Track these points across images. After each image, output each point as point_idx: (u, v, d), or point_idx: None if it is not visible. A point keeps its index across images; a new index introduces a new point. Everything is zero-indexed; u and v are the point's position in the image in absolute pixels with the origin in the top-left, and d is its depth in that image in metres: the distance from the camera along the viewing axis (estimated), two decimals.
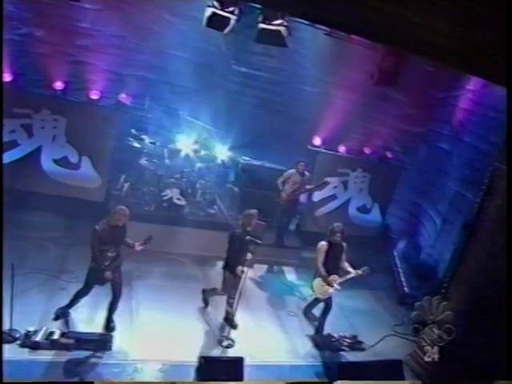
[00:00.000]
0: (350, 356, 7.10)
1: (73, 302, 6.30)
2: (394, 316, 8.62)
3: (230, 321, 6.88)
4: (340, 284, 7.12)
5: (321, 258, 7.14)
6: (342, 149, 10.43)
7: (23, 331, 5.63)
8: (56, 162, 8.49)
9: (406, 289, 9.39)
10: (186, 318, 7.00)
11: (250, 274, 8.85)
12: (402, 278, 9.72)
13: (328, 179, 9.81)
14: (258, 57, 10.44)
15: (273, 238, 9.55)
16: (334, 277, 7.08)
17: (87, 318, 6.38)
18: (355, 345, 7.30)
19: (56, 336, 5.78)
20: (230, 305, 6.88)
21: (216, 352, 6.40)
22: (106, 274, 5.94)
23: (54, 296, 6.71)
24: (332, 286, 7.06)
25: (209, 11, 6.33)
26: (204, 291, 7.36)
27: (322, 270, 7.08)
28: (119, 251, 6.10)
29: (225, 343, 6.53)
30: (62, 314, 6.26)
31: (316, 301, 7.58)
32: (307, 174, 9.30)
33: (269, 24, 6.53)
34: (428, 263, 9.87)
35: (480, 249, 6.51)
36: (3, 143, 7.69)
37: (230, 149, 10.05)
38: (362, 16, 5.20)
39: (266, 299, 8.25)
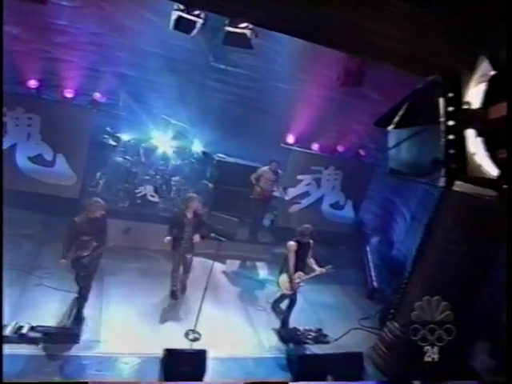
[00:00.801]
0: (314, 349, 7.34)
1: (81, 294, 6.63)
2: (361, 310, 8.88)
3: (172, 294, 7.56)
4: (304, 281, 7.36)
5: (292, 258, 7.28)
6: (315, 146, 10.63)
7: None
8: (31, 159, 8.63)
9: (375, 283, 9.65)
10: (155, 312, 7.21)
11: (223, 268, 9.22)
12: (373, 273, 9.98)
13: (301, 177, 10.02)
14: (236, 54, 10.56)
15: (246, 234, 9.76)
16: (299, 274, 7.31)
17: (57, 313, 6.58)
18: (320, 338, 7.55)
19: (25, 330, 5.96)
20: (173, 278, 7.57)
21: (183, 345, 6.61)
22: (83, 261, 6.31)
23: (25, 291, 6.91)
24: (297, 283, 7.28)
25: (175, 15, 6.47)
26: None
27: (292, 269, 7.27)
28: (100, 242, 6.40)
29: (191, 336, 6.75)
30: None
31: (284, 296, 7.82)
32: (280, 172, 9.51)
33: (235, 27, 6.68)
34: (398, 258, 10.14)
35: (436, 246, 6.77)
36: None
37: (205, 146, 10.23)
38: (314, 22, 5.38)
39: (236, 294, 8.48)
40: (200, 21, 6.45)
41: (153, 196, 8.99)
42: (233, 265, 9.42)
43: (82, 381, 5.53)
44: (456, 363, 6.80)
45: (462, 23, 5.50)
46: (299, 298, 8.18)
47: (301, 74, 10.59)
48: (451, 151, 1.47)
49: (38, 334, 5.98)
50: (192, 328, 6.81)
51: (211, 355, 6.19)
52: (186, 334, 6.79)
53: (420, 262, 7.07)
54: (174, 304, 7.54)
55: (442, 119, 1.50)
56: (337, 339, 7.63)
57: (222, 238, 6.93)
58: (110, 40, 9.66)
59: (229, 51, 10.47)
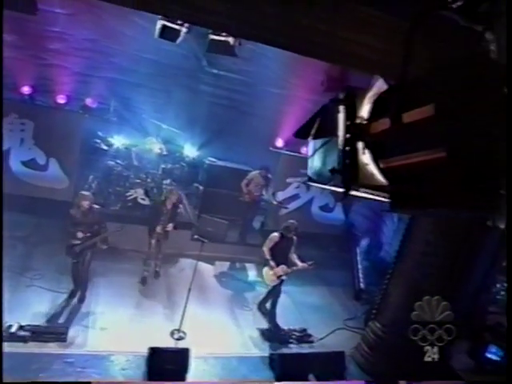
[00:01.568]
0: (298, 348, 7.53)
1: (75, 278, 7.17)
2: (348, 311, 9.03)
3: (143, 280, 8.16)
4: (287, 275, 7.52)
5: (269, 245, 7.62)
6: (304, 150, 10.78)
7: None
8: (24, 163, 8.85)
9: (362, 285, 9.80)
10: (143, 312, 7.41)
11: (212, 269, 9.41)
12: (360, 274, 10.14)
13: (290, 180, 10.20)
14: (229, 59, 10.76)
15: (236, 236, 9.95)
16: (282, 267, 7.50)
17: (46, 312, 6.80)
18: (304, 338, 7.72)
19: (14, 329, 6.18)
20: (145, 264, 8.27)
21: (169, 344, 6.79)
22: (75, 249, 6.90)
23: (16, 292, 7.09)
24: (279, 276, 7.47)
25: (159, 23, 6.67)
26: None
27: (268, 255, 7.57)
28: (93, 233, 6.97)
29: (176, 336, 6.94)
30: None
31: (269, 295, 8.01)
32: (270, 177, 9.69)
33: (218, 35, 6.88)
34: (386, 260, 10.27)
35: (415, 248, 6.93)
36: None
37: (196, 149, 10.44)
38: (295, 34, 5.59)
39: (224, 294, 8.66)
40: (184, 29, 6.65)
41: (143, 199, 9.20)
42: (222, 266, 9.60)
43: (83, 381, 5.75)
44: (437, 362, 6.92)
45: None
46: (286, 299, 8.41)
47: (291, 78, 10.79)
48: (347, 161, 1.65)
49: (26, 333, 6.20)
50: (177, 328, 7.00)
51: (195, 354, 6.39)
52: (172, 334, 6.97)
53: (400, 263, 7.25)
54: (160, 305, 7.71)
55: (340, 132, 1.68)
56: (321, 339, 7.79)
57: (205, 240, 7.10)
58: (103, 46, 9.90)
59: (222, 57, 10.71)
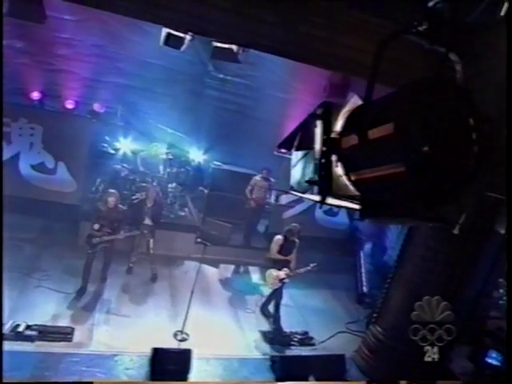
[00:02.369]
0: (299, 351, 7.60)
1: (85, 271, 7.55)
2: (349, 314, 9.10)
3: (128, 269, 8.47)
4: (289, 277, 7.64)
5: (276, 248, 7.79)
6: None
7: None
8: (33, 167, 9.06)
9: (364, 288, 9.85)
10: (147, 314, 7.55)
11: (216, 272, 9.53)
12: (364, 278, 10.18)
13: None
14: (235, 64, 10.91)
15: (240, 239, 10.07)
16: (285, 270, 7.63)
17: (54, 313, 6.96)
18: (305, 340, 7.80)
19: (21, 328, 6.35)
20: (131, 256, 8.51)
21: (172, 345, 6.91)
22: (93, 240, 7.42)
23: (23, 293, 7.28)
24: (282, 279, 7.60)
25: (164, 31, 6.81)
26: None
27: (278, 256, 7.72)
28: (114, 230, 7.53)
29: (179, 337, 7.06)
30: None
31: (271, 297, 8.12)
32: (272, 179, 9.81)
33: (221, 42, 7.00)
34: (389, 264, 10.32)
35: (415, 252, 6.98)
36: None
37: (203, 153, 10.60)
38: (293, 40, 5.72)
39: (227, 297, 8.77)
40: (188, 37, 6.76)
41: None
42: (226, 269, 9.73)
43: (85, 381, 5.87)
44: (437, 366, 6.96)
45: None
46: (288, 302, 8.51)
47: (296, 83, 10.89)
48: (322, 173, 1.77)
49: (33, 332, 6.36)
50: (180, 329, 7.13)
51: (197, 355, 6.52)
52: (175, 335, 7.10)
53: (401, 268, 7.30)
54: (164, 306, 7.85)
55: (317, 145, 1.79)
56: (323, 342, 7.86)
57: (208, 243, 7.23)
58: (111, 52, 10.09)
59: (227, 62, 10.86)
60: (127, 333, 6.87)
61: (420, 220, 1.47)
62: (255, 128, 10.85)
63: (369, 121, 1.54)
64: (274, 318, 7.87)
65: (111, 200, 7.45)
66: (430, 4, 2.01)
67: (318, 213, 11.05)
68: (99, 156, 9.61)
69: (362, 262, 10.81)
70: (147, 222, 8.23)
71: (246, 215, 10.05)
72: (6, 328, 6.27)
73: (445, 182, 1.38)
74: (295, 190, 2.14)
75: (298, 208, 10.79)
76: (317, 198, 1.88)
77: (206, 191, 10.43)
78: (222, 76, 11.02)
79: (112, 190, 7.73)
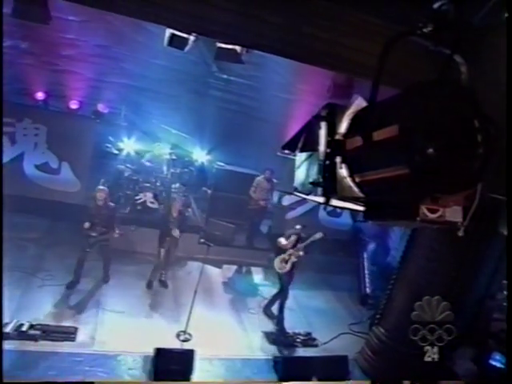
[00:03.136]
0: (302, 352, 7.60)
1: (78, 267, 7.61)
2: (352, 315, 9.08)
3: (149, 283, 8.18)
4: (298, 258, 7.77)
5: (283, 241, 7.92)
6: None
7: None
8: (37, 167, 9.11)
9: (367, 289, 9.83)
10: (150, 314, 7.57)
11: (219, 273, 9.54)
12: (367, 279, 10.16)
13: None
14: (240, 64, 10.92)
15: (243, 239, 10.08)
16: (288, 251, 7.81)
17: (56, 313, 6.99)
18: (308, 341, 7.80)
19: (25, 328, 6.37)
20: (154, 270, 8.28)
21: (175, 346, 6.91)
22: (89, 240, 7.38)
23: (27, 292, 7.31)
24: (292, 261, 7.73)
25: (168, 32, 6.83)
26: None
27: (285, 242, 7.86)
28: (108, 229, 7.49)
29: (182, 337, 7.07)
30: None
31: (275, 298, 8.14)
32: (274, 180, 9.82)
33: (225, 43, 7.00)
34: (392, 265, 10.30)
35: (419, 253, 6.97)
36: None
37: (206, 154, 10.61)
38: (297, 41, 5.72)
39: (230, 297, 8.77)
40: (192, 38, 6.78)
41: (152, 202, 9.38)
42: (229, 269, 9.73)
43: (87, 381, 5.89)
44: (439, 367, 6.95)
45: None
46: (291, 303, 8.50)
47: (299, 83, 10.89)
48: (326, 174, 1.77)
49: (37, 332, 6.38)
50: (183, 329, 7.13)
51: (200, 355, 6.53)
52: (178, 335, 7.11)
53: (404, 269, 7.29)
54: (168, 306, 7.86)
55: (321, 147, 1.79)
56: (325, 343, 7.86)
57: (211, 244, 7.24)
58: (115, 52, 10.12)
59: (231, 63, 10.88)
60: (130, 333, 6.87)
61: (423, 222, 1.47)
62: (259, 129, 10.85)
63: (373, 122, 1.54)
64: (278, 319, 7.88)
65: (100, 196, 7.35)
66: (435, 5, 2.01)
67: (322, 214, 11.04)
68: (103, 156, 9.64)
69: (365, 263, 10.79)
70: (175, 233, 8.03)
71: (249, 216, 10.05)
72: (10, 327, 6.30)
73: (449, 184, 1.38)
74: (299, 192, 2.14)
75: (302, 209, 10.79)
76: (321, 199, 1.88)
77: (209, 192, 10.44)
78: (225, 77, 11.02)
79: (101, 187, 7.62)
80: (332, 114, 1.82)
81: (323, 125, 1.80)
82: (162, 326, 7.33)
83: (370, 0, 5.49)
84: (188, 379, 6.33)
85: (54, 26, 9.40)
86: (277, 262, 7.89)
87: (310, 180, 1.88)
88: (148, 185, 9.54)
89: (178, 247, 8.26)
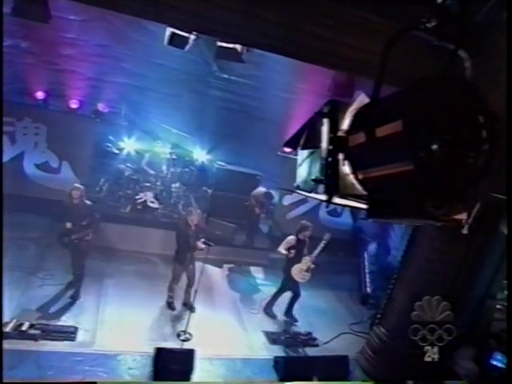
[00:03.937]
0: (303, 351, 7.58)
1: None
2: (353, 315, 9.07)
3: (168, 304, 7.73)
4: (313, 263, 7.91)
5: (286, 246, 7.87)
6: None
7: None
8: (38, 166, 9.10)
9: (368, 289, 9.81)
10: (151, 313, 7.53)
11: (220, 272, 9.53)
12: (367, 279, 10.14)
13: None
14: (240, 64, 10.90)
15: (243, 239, 10.06)
16: (305, 259, 7.84)
17: (56, 313, 6.98)
18: (309, 341, 7.77)
19: (25, 327, 6.35)
20: (170, 288, 7.78)
21: (175, 345, 6.89)
22: (64, 239, 7.09)
23: (27, 291, 7.29)
24: (308, 269, 7.84)
25: (169, 31, 6.82)
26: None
27: (289, 253, 7.83)
28: (83, 227, 7.11)
29: (182, 337, 7.05)
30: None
31: (275, 297, 8.21)
32: (274, 198, 9.94)
33: (225, 42, 6.99)
34: (393, 265, 10.28)
35: (420, 253, 6.94)
36: None
37: (206, 153, 10.60)
38: (298, 41, 5.70)
39: (230, 297, 8.75)
40: (192, 37, 6.77)
41: (153, 202, 9.37)
42: (229, 269, 9.71)
43: (87, 380, 5.85)
44: (440, 367, 6.93)
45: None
46: None
47: (300, 83, 10.89)
48: (329, 171, 1.75)
49: (36, 331, 6.35)
50: (183, 329, 7.11)
51: (200, 355, 6.52)
52: (178, 335, 7.09)
53: (405, 269, 7.27)
54: (168, 307, 7.84)
55: (323, 144, 1.78)
56: (326, 343, 7.84)
57: (211, 243, 7.22)
58: (115, 52, 10.13)
59: (232, 62, 10.86)
60: (130, 332, 6.85)
61: (428, 219, 1.45)
62: (259, 128, 10.85)
63: (377, 118, 1.52)
64: (288, 320, 8.09)
65: (75, 194, 7.03)
66: (439, 0, 1.99)
67: (322, 213, 11.03)
68: (103, 155, 9.62)
69: (366, 262, 10.77)
70: (200, 245, 7.37)
71: (249, 216, 10.04)
72: (10, 327, 6.27)
73: (454, 181, 1.36)
74: (301, 190, 2.13)
75: (302, 208, 10.78)
76: (323, 197, 1.86)
77: (209, 191, 10.42)
78: (226, 76, 11.03)
79: (76, 185, 7.29)
80: (334, 111, 1.80)
81: (325, 121, 1.79)
82: (162, 325, 7.30)
83: None
84: (188, 379, 6.30)
85: (55, 25, 9.44)
86: (296, 273, 7.88)
87: (312, 177, 1.86)
88: (148, 184, 9.53)
89: (195, 261, 7.70)
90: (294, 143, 2.16)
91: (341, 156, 1.72)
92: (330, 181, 1.74)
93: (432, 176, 1.33)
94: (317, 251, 7.87)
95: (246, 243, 10.04)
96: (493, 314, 7.56)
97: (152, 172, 9.77)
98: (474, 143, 1.39)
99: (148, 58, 10.24)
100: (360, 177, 1.66)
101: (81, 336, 6.58)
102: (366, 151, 1.62)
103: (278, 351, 7.36)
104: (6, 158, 8.83)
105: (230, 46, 7.14)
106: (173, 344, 6.84)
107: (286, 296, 8.24)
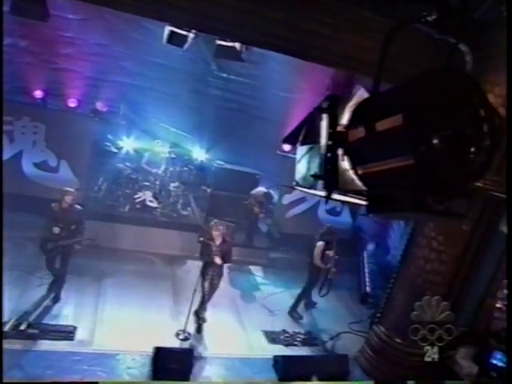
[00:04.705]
0: (302, 351, 7.56)
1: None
2: (353, 314, 9.05)
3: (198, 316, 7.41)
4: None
5: (319, 254, 8.15)
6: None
7: None
8: (36, 165, 9.07)
9: (368, 288, 9.79)
10: (149, 313, 7.50)
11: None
12: (367, 278, 10.13)
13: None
14: (239, 63, 10.88)
15: (243, 238, 10.04)
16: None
17: (55, 312, 6.96)
18: (308, 340, 7.77)
19: (23, 327, 6.33)
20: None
21: (174, 345, 6.88)
22: (48, 245, 6.85)
23: (26, 291, 7.27)
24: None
25: (167, 29, 6.80)
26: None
27: (322, 265, 8.18)
28: (70, 233, 6.89)
29: (181, 336, 7.03)
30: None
31: (299, 300, 8.37)
32: (274, 199, 10.11)
33: (225, 40, 6.97)
34: (392, 264, 10.26)
35: (419, 252, 6.93)
36: None
37: (205, 152, 10.57)
38: (298, 39, 5.69)
39: (229, 296, 8.69)
40: (191, 35, 6.75)
41: (151, 201, 9.35)
42: (229, 268, 9.65)
43: (90, 381, 5.83)
44: (440, 365, 6.92)
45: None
46: (291, 302, 8.48)
47: (299, 82, 10.86)
48: (328, 167, 1.73)
49: (35, 331, 6.34)
50: (182, 328, 7.09)
51: (199, 354, 6.51)
52: (177, 334, 7.07)
53: (404, 268, 7.26)
54: (167, 305, 7.83)
55: (323, 139, 1.76)
56: (325, 342, 7.83)
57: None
58: (114, 51, 10.10)
59: (231, 61, 10.82)
60: (129, 332, 6.83)
61: (429, 214, 1.44)
62: (258, 127, 10.82)
63: (376, 112, 1.50)
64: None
65: (68, 198, 6.80)
66: None
67: (321, 212, 11.02)
68: (102, 155, 9.59)
69: (366, 262, 10.76)
70: (217, 260, 7.19)
71: (249, 215, 10.02)
72: (8, 326, 6.26)
73: (455, 176, 1.34)
74: (300, 186, 2.11)
75: (301, 207, 10.77)
76: (322, 193, 1.84)
77: (208, 190, 10.40)
78: (225, 75, 11.01)
79: (69, 189, 7.03)
80: (334, 106, 1.78)
81: (325, 117, 1.77)
82: (161, 324, 7.28)
83: None
84: (187, 378, 6.29)
85: (53, 24, 9.44)
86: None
87: (311, 173, 1.84)
88: (147, 183, 9.51)
89: (222, 276, 7.53)
90: (292, 139, 2.14)
91: (340, 151, 1.71)
92: (329, 176, 1.72)
93: (432, 170, 1.31)
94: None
95: (245, 242, 10.01)
96: (492, 313, 7.55)
97: (151, 171, 9.74)
98: (475, 137, 1.38)
99: (147, 57, 10.20)
100: (360, 172, 1.65)
101: (80, 335, 6.56)
102: (366, 146, 1.60)
103: (277, 351, 7.35)
104: (4, 157, 8.77)
105: (229, 44, 7.12)
106: (172, 343, 6.82)
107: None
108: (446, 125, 1.33)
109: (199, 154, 10.46)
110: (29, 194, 8.91)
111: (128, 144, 9.64)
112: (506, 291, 8.18)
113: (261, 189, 9.91)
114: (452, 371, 7.01)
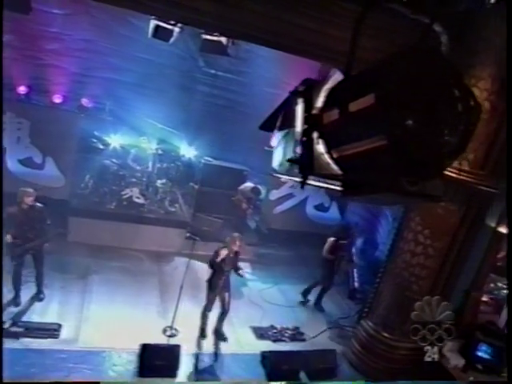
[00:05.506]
0: (290, 346, 7.56)
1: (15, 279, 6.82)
2: (341, 309, 9.08)
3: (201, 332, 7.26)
4: None
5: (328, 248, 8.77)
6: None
7: None
8: (21, 162, 8.93)
9: (356, 284, 9.82)
10: (136, 310, 7.44)
11: (206, 268, 9.42)
12: (355, 274, 10.15)
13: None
14: (226, 59, 10.84)
15: (231, 235, 9.97)
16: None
17: (40, 310, 6.87)
18: (296, 336, 7.77)
19: (7, 325, 6.25)
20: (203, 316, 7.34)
21: (161, 341, 6.83)
22: (16, 250, 6.60)
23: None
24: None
25: (153, 23, 6.76)
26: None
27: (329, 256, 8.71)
28: (36, 234, 6.70)
29: (168, 333, 6.98)
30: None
31: (322, 292, 8.76)
32: (261, 194, 10.04)
33: (211, 35, 6.95)
34: (381, 259, 10.29)
35: (405, 247, 6.95)
36: None
37: (193, 149, 10.51)
38: (285, 33, 5.67)
39: None
40: (177, 29, 6.72)
41: (138, 198, 9.27)
42: None
43: (91, 381, 5.81)
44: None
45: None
46: (279, 297, 8.51)
47: (287, 78, 10.81)
48: (303, 151, 1.70)
49: (19, 329, 6.26)
50: (169, 325, 7.04)
51: (186, 351, 6.47)
52: (164, 331, 7.01)
53: (391, 262, 7.28)
54: (154, 302, 7.77)
55: (298, 123, 1.73)
56: (313, 337, 7.83)
57: (196, 238, 7.17)
58: (100, 46, 9.99)
59: (218, 57, 10.77)
60: (116, 329, 6.76)
61: (403, 195, 1.41)
62: (246, 123, 10.73)
63: (350, 93, 1.48)
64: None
65: (27, 200, 6.55)
66: None
67: (309, 208, 11.02)
68: (88, 151, 9.47)
69: (355, 257, 10.77)
70: (227, 268, 7.08)
71: (237, 211, 9.99)
72: None
73: (428, 156, 1.32)
74: (277, 172, 2.08)
75: (289, 203, 10.77)
76: (298, 178, 1.82)
77: (196, 187, 10.33)
78: (212, 71, 10.96)
79: (29, 189, 6.75)
80: (309, 89, 1.76)
81: (300, 101, 1.74)
82: (148, 321, 7.22)
83: None
84: (174, 375, 6.26)
85: (38, 19, 9.32)
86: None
87: (287, 158, 1.82)
88: (134, 180, 9.43)
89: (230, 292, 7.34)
90: (269, 125, 2.11)
91: (315, 135, 1.68)
92: (304, 161, 1.70)
93: (406, 150, 1.29)
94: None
95: None
96: (478, 307, 7.60)
97: (138, 167, 9.66)
98: (449, 117, 1.36)
99: (133, 53, 10.12)
100: (335, 155, 1.62)
101: (65, 333, 6.49)
102: (340, 128, 1.57)
103: (265, 346, 7.33)
104: None
105: (215, 38, 7.10)
106: (159, 340, 6.76)
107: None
108: (420, 104, 1.31)
109: (187, 150, 10.38)
110: (13, 191, 8.71)
111: (115, 140, 9.54)
112: (492, 285, 8.27)
113: (248, 184, 9.90)
114: (439, 364, 7.03)
